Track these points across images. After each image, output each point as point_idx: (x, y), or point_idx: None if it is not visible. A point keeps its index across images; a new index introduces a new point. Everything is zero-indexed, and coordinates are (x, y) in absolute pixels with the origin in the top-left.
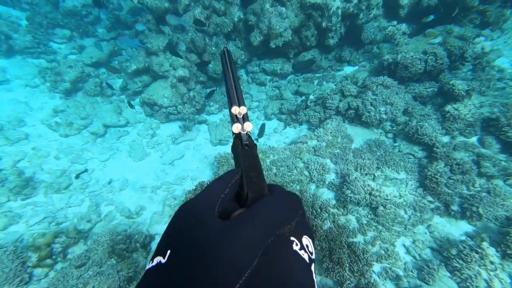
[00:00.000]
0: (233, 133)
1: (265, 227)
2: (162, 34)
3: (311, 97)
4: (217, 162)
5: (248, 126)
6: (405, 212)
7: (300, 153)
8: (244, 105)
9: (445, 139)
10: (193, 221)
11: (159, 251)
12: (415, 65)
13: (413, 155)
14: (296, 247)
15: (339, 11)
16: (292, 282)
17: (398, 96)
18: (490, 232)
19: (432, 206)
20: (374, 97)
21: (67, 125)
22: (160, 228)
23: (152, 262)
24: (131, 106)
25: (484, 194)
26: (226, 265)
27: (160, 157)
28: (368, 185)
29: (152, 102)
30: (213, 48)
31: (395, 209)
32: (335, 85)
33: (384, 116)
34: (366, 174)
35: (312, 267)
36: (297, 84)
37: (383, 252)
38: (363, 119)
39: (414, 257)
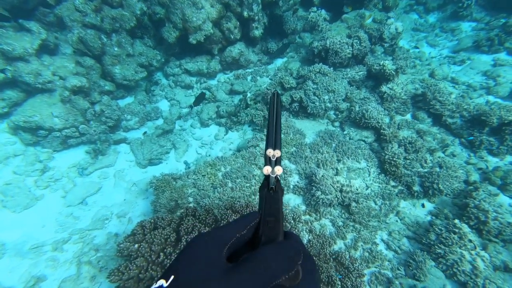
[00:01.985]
0: (264, 175)
1: (259, 277)
2: (27, 32)
3: (249, 94)
4: (154, 188)
5: (278, 170)
6: (375, 203)
7: (255, 159)
8: (279, 149)
9: (386, 119)
10: (201, 254)
11: (165, 274)
12: (344, 50)
13: (364, 141)
14: None
15: None
16: None
17: (337, 83)
18: (447, 206)
19: (396, 190)
20: (315, 86)
21: None
22: None
23: (155, 283)
24: None
25: (437, 169)
26: None
27: (63, 197)
28: (337, 181)
29: (34, 125)
30: (116, 49)
31: (367, 202)
32: (270, 78)
33: (329, 104)
34: (330, 170)
35: None
36: (230, 83)
37: (367, 254)
38: (308, 111)
39: (395, 251)
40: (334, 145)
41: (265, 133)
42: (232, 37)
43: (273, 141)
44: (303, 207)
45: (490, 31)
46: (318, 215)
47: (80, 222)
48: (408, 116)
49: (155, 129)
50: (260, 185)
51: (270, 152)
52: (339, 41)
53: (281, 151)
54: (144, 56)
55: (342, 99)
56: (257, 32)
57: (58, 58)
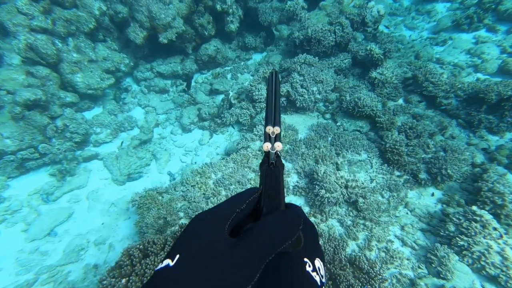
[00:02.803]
0: (264, 152)
1: (264, 245)
2: None
3: (231, 93)
4: (137, 207)
5: (278, 146)
6: (382, 196)
7: (247, 161)
8: (279, 126)
9: (380, 106)
10: (204, 231)
11: (170, 254)
12: (327, 38)
13: (359, 131)
14: (308, 269)
15: None
16: None
17: (324, 73)
18: (456, 191)
19: (402, 180)
20: (302, 78)
21: None
22: None
23: (161, 264)
24: None
25: (442, 153)
26: (228, 278)
27: (24, 231)
28: (341, 177)
29: None
30: (74, 55)
31: (374, 197)
32: (251, 75)
33: (318, 96)
34: (330, 165)
35: None
36: (208, 83)
37: (383, 254)
38: (297, 105)
39: (412, 247)
40: (330, 138)
41: (264, 114)
42: (206, 33)
43: (273, 118)
44: (307, 209)
45: (466, 10)
46: (324, 215)
47: (49, 258)
48: (400, 101)
49: (131, 140)
50: (260, 161)
51: (269, 129)
52: (321, 28)
53: (280, 128)
54: (110, 61)
55: (331, 89)
56: (233, 26)
57: (3, 70)
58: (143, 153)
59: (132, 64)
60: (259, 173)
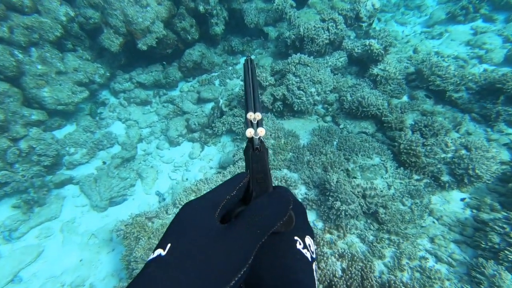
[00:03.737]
0: (247, 138)
1: (256, 228)
2: None
3: (221, 100)
4: (123, 237)
5: (261, 132)
6: (403, 204)
7: None
8: (260, 111)
9: (385, 104)
10: (194, 219)
11: (161, 243)
12: (321, 35)
13: (365, 132)
14: (299, 246)
15: None
16: (295, 279)
17: (321, 72)
18: (485, 194)
19: (422, 184)
20: (298, 79)
21: None
22: None
23: (153, 254)
24: None
25: (463, 151)
26: (222, 262)
27: None
28: (358, 185)
29: None
30: (39, 67)
31: (395, 206)
32: (242, 80)
33: (317, 97)
34: (341, 172)
35: (314, 266)
36: (195, 91)
37: (418, 275)
38: (295, 108)
39: (449, 264)
40: (335, 142)
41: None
42: (190, 37)
43: (253, 104)
44: (320, 224)
45: (458, 2)
46: (342, 231)
47: None
48: (405, 98)
49: (112, 158)
50: (244, 148)
51: (251, 115)
52: (314, 26)
53: (261, 114)
54: (82, 72)
55: (330, 90)
56: (218, 29)
57: None
58: (126, 172)
59: (108, 74)
60: (244, 159)
